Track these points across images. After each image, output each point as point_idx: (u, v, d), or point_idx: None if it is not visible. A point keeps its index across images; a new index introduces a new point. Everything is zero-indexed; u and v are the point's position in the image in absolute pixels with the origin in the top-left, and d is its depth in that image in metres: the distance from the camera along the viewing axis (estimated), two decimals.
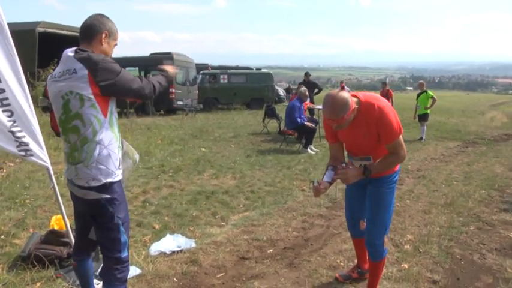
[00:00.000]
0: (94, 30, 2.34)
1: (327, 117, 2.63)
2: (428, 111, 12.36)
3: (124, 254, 2.47)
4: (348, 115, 2.54)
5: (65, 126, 2.29)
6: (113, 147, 2.34)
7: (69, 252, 3.45)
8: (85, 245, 2.68)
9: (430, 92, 12.38)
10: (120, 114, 16.76)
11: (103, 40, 2.37)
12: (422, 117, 12.19)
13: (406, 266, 3.70)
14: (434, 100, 12.32)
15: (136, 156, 2.76)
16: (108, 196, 2.32)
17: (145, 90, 2.39)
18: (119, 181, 2.40)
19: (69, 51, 2.27)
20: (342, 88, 2.60)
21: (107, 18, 2.41)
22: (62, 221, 3.65)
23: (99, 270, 3.28)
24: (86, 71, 2.18)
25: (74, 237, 3.15)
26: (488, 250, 4.16)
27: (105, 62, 2.23)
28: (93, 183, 2.29)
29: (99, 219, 2.40)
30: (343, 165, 2.83)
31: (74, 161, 2.30)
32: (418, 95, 12.57)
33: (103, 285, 2.54)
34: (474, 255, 4.04)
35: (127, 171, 2.61)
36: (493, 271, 3.71)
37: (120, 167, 2.42)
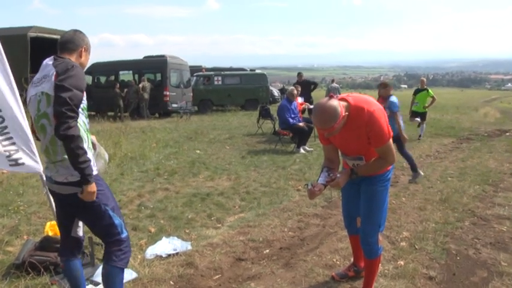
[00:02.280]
0: (76, 44, 2.53)
1: (317, 126, 2.66)
2: (426, 110, 12.09)
3: (124, 234, 2.60)
4: (338, 123, 2.55)
5: (36, 125, 2.43)
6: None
7: None
8: (70, 243, 2.73)
9: (431, 91, 12.01)
10: (114, 118, 16.72)
11: (82, 53, 2.56)
12: (422, 116, 11.77)
13: (402, 263, 3.70)
14: (433, 99, 12.10)
15: (106, 156, 2.93)
16: None
17: (69, 120, 2.22)
18: (96, 174, 2.50)
19: (48, 60, 2.43)
20: (331, 96, 2.61)
21: (85, 34, 2.59)
22: (57, 226, 3.63)
23: (95, 274, 3.29)
24: (55, 72, 2.31)
25: None
26: (483, 245, 4.18)
27: (77, 71, 2.35)
28: (72, 179, 2.39)
29: (87, 211, 2.48)
30: (331, 175, 2.85)
31: (52, 160, 2.42)
32: (417, 92, 12.12)
33: (104, 267, 2.61)
34: (469, 250, 4.05)
35: (101, 171, 2.68)
36: (487, 265, 3.73)
37: (94, 167, 2.50)
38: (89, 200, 2.39)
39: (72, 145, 2.24)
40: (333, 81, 21.66)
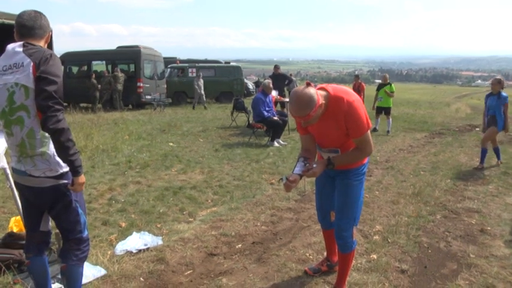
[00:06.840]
0: (44, 29, 2.39)
1: (293, 114, 2.61)
2: (391, 103, 12.30)
3: (85, 234, 2.61)
4: (314, 111, 2.51)
5: (7, 118, 2.29)
6: None
7: None
8: (37, 238, 2.66)
9: (393, 86, 12.16)
10: (87, 109, 16.34)
11: (48, 39, 2.45)
12: (386, 111, 12.07)
13: (375, 256, 3.71)
14: (391, 94, 12.11)
15: None
16: (65, 181, 2.39)
17: (57, 113, 2.18)
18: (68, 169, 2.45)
19: (17, 47, 2.27)
20: (308, 84, 2.56)
21: (45, 16, 2.43)
22: (22, 222, 3.48)
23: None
24: (32, 63, 2.19)
25: None
26: (453, 237, 4.24)
27: (55, 60, 2.26)
28: (50, 174, 2.35)
29: (58, 204, 2.45)
30: (307, 165, 2.78)
31: (28, 154, 2.32)
32: (380, 87, 12.31)
33: (64, 266, 2.57)
34: (440, 243, 4.10)
35: None
36: (457, 257, 3.79)
37: None
38: (78, 192, 2.42)
39: (62, 138, 2.19)
40: (290, 75, 21.64)
